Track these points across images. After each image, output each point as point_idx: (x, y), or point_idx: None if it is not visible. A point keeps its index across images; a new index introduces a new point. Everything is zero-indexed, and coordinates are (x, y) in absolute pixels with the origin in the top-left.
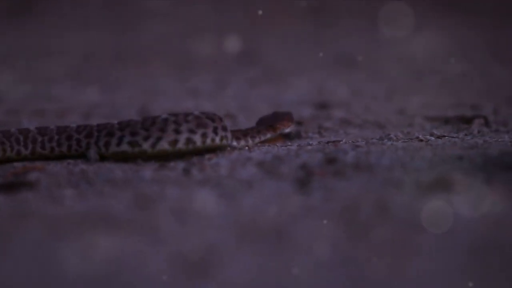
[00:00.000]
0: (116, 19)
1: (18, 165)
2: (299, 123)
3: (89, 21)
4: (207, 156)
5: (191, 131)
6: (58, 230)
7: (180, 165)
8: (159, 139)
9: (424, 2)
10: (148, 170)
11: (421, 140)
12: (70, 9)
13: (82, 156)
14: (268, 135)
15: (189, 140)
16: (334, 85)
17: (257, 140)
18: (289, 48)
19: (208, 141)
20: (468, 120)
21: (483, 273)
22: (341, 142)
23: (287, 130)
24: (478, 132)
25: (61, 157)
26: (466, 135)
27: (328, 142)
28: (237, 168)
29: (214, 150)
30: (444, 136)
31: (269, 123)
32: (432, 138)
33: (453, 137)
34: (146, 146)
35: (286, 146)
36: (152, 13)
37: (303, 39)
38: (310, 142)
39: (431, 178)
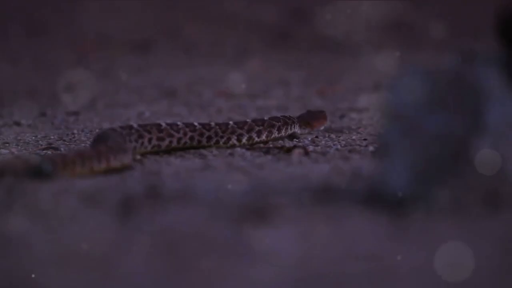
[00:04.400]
0: None
1: None
2: None
3: None
4: (30, 185)
5: None
6: None
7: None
8: None
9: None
10: None
11: (243, 170)
12: None
13: None
14: (305, 131)
15: None
16: (155, 117)
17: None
18: (111, 79)
19: None
20: (288, 150)
21: None
22: (163, 173)
23: (322, 128)
24: (299, 162)
25: None
26: (286, 165)
27: (148, 173)
28: (58, 198)
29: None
30: (265, 167)
31: (306, 120)
32: (253, 168)
33: (274, 167)
34: None
35: (106, 176)
36: None
37: (125, 71)
38: (131, 173)
39: (245, 209)
